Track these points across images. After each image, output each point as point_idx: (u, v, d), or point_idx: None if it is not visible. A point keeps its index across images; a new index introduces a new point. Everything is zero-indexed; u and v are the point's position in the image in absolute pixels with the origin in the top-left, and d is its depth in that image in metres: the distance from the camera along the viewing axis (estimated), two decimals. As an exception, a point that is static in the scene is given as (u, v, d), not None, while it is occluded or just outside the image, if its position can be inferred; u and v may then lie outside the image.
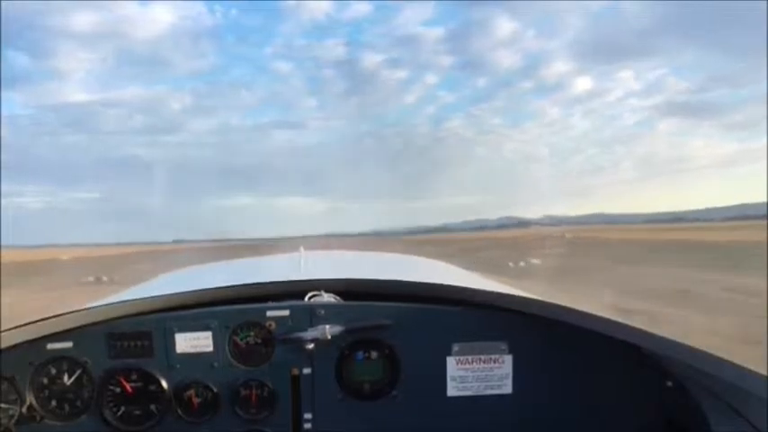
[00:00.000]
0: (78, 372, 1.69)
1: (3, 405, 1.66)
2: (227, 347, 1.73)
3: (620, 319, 1.60)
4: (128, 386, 1.70)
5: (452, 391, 1.76)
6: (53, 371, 1.69)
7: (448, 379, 1.76)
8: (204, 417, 1.72)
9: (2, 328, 1.59)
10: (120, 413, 1.70)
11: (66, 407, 1.69)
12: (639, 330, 1.54)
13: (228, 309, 1.76)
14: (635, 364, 1.72)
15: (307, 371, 1.74)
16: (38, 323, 1.64)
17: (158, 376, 1.71)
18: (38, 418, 1.68)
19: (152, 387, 1.71)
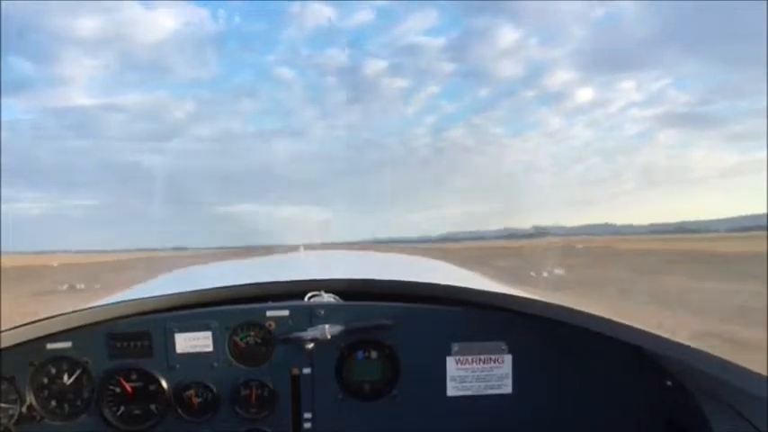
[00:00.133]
0: (78, 372, 1.69)
1: (3, 405, 1.66)
2: (226, 347, 1.73)
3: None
4: (128, 386, 1.70)
5: (452, 390, 1.76)
6: (53, 371, 1.69)
7: (448, 379, 1.76)
8: (204, 417, 1.72)
9: (2, 328, 1.60)
10: (119, 413, 1.70)
11: (66, 407, 1.69)
12: (639, 330, 1.54)
13: (228, 309, 1.76)
14: (635, 364, 1.72)
15: (307, 371, 1.74)
16: (38, 323, 1.64)
17: (158, 376, 1.71)
18: (38, 418, 1.68)
19: (152, 387, 1.71)
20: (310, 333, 1.70)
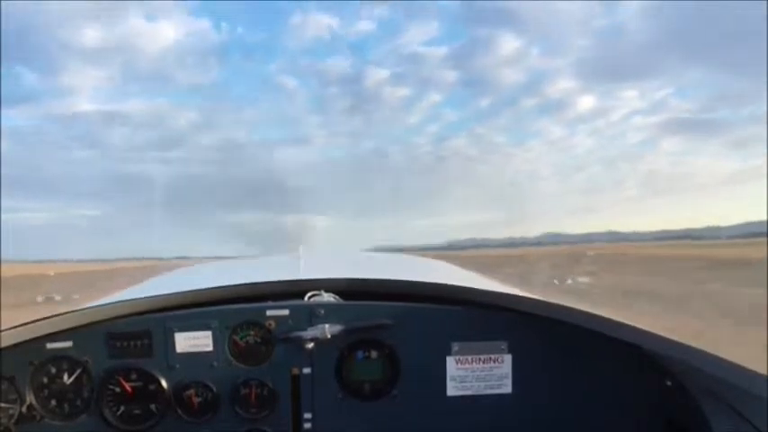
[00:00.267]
0: (78, 371, 1.69)
1: (3, 404, 1.66)
2: (226, 347, 1.73)
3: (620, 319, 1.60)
4: (127, 386, 1.70)
5: (452, 390, 1.76)
6: (53, 370, 1.69)
7: (448, 379, 1.76)
8: (204, 416, 1.72)
9: (2, 328, 1.60)
10: (119, 413, 1.70)
11: (66, 406, 1.69)
12: (640, 330, 1.54)
13: (228, 308, 1.76)
14: (635, 364, 1.72)
15: (306, 370, 1.74)
16: (38, 323, 1.64)
17: (158, 376, 1.70)
18: (38, 418, 1.68)
19: (152, 386, 1.71)
20: (310, 333, 1.70)
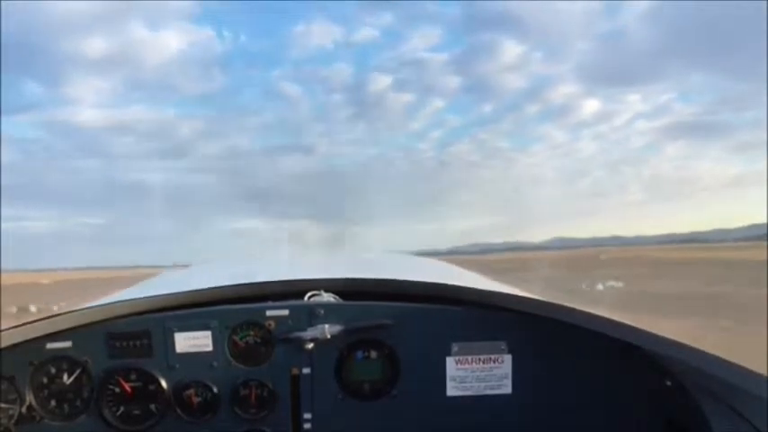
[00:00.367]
0: (78, 371, 1.69)
1: (2, 405, 1.66)
2: (226, 347, 1.73)
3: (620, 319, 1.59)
4: (127, 386, 1.70)
5: (452, 390, 1.76)
6: (53, 370, 1.69)
7: (447, 379, 1.76)
8: (204, 416, 1.72)
9: (1, 328, 1.59)
10: (119, 413, 1.70)
11: (66, 406, 1.69)
12: (639, 330, 1.54)
13: (228, 308, 1.76)
14: (635, 364, 1.72)
15: (306, 370, 1.74)
16: (37, 323, 1.64)
17: (158, 376, 1.70)
18: (37, 418, 1.68)
19: (151, 387, 1.71)
20: (310, 333, 1.70)
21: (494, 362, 1.76)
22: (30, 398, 1.68)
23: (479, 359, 1.75)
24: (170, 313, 1.73)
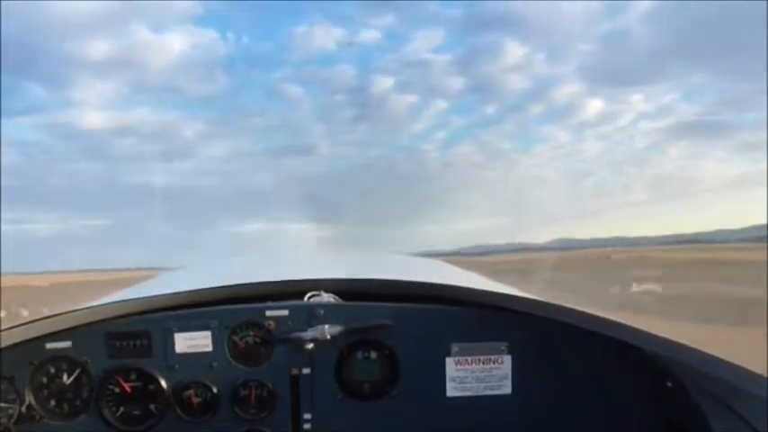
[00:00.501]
0: (77, 371, 1.69)
1: (2, 404, 1.66)
2: (226, 347, 1.72)
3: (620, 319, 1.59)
4: (127, 386, 1.70)
5: (452, 391, 1.76)
6: (52, 370, 1.69)
7: (447, 379, 1.75)
8: (203, 416, 1.72)
9: (1, 328, 1.59)
10: (119, 413, 1.70)
11: (66, 406, 1.69)
12: (639, 331, 1.54)
13: (228, 308, 1.76)
14: (635, 365, 1.72)
15: (306, 371, 1.73)
16: (37, 322, 1.64)
17: (157, 376, 1.70)
18: (37, 418, 1.68)
19: (151, 387, 1.71)
20: (310, 333, 1.70)
21: (493, 362, 1.76)
22: (29, 397, 1.67)
23: (479, 360, 1.75)
24: (170, 313, 1.73)
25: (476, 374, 1.76)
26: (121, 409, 1.70)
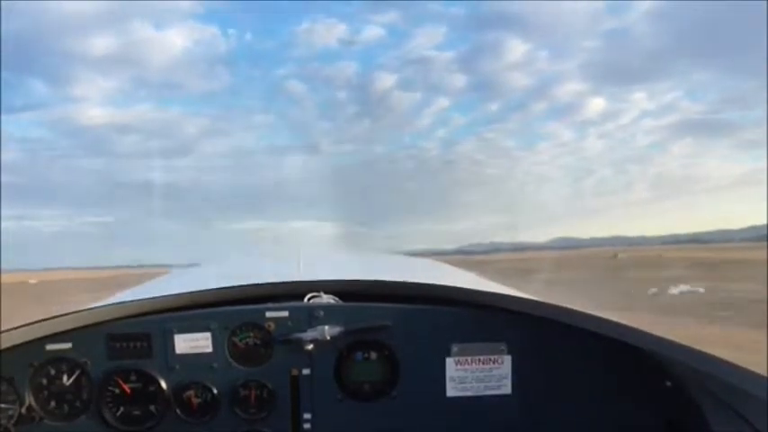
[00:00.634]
0: (77, 372, 1.69)
1: (2, 405, 1.66)
2: (226, 348, 1.72)
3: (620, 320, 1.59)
4: (127, 387, 1.70)
5: (452, 391, 1.76)
6: (52, 371, 1.69)
7: (447, 379, 1.75)
8: (203, 417, 1.72)
9: (1, 329, 1.59)
10: (119, 414, 1.70)
11: (66, 407, 1.69)
12: (639, 331, 1.54)
13: (228, 310, 1.76)
14: (635, 365, 1.72)
15: (306, 371, 1.74)
16: (37, 324, 1.64)
17: (158, 377, 1.70)
18: (37, 419, 1.68)
19: (151, 388, 1.71)
20: (310, 334, 1.70)
21: (493, 362, 1.76)
22: (29, 399, 1.67)
23: (479, 360, 1.75)
24: (170, 315, 1.73)
25: (476, 374, 1.76)
26: (121, 410, 1.70)
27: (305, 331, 1.71)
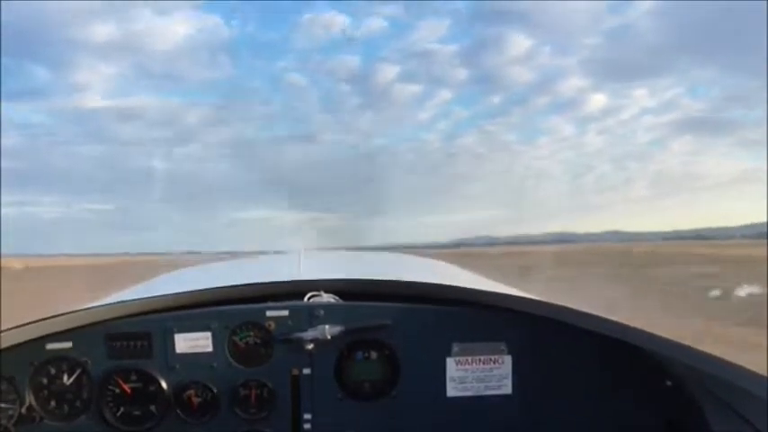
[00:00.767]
0: (78, 372, 1.69)
1: (2, 405, 1.66)
2: (226, 348, 1.72)
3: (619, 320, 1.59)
4: (127, 386, 1.70)
5: (452, 391, 1.76)
6: (52, 371, 1.69)
7: (447, 379, 1.75)
8: (204, 417, 1.72)
9: (1, 328, 1.59)
10: (119, 413, 1.70)
11: (66, 407, 1.69)
12: (639, 330, 1.54)
13: (228, 309, 1.76)
14: (635, 364, 1.72)
15: (306, 371, 1.73)
16: (37, 323, 1.64)
17: (158, 376, 1.70)
18: (37, 419, 1.68)
19: (151, 387, 1.71)
20: (310, 333, 1.70)
21: (494, 362, 1.76)
22: (30, 398, 1.67)
23: (479, 360, 1.75)
24: (170, 314, 1.73)
25: (476, 374, 1.76)
26: (122, 409, 1.70)
27: (305, 331, 1.71)
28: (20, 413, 1.67)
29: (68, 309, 1.72)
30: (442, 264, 3.63)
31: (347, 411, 1.74)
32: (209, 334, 1.72)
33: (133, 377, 1.70)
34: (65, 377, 1.69)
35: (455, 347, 1.75)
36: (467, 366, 1.75)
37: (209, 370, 1.72)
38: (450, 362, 1.75)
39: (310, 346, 1.71)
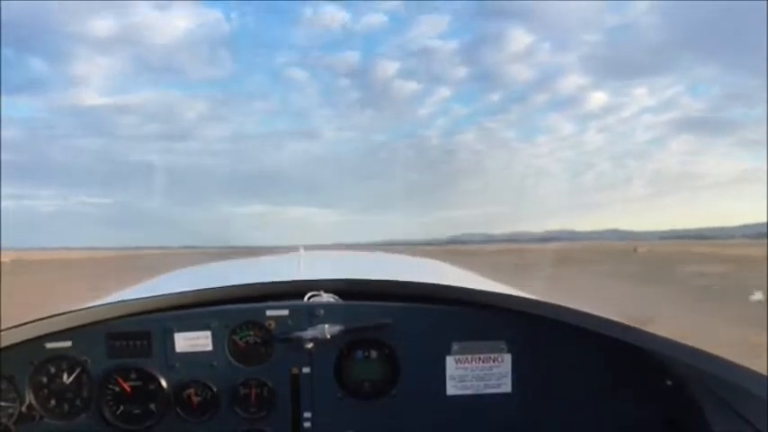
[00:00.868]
0: (77, 371, 1.69)
1: (2, 404, 1.66)
2: (226, 347, 1.73)
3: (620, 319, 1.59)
4: (127, 385, 1.70)
5: (452, 390, 1.76)
6: (52, 370, 1.69)
7: (447, 378, 1.76)
8: (204, 416, 1.72)
9: (1, 328, 1.60)
10: (119, 412, 1.70)
11: (66, 406, 1.69)
12: (639, 330, 1.54)
13: (228, 308, 1.76)
14: (635, 364, 1.72)
15: (306, 370, 1.74)
16: (37, 322, 1.64)
17: (158, 375, 1.70)
18: (37, 417, 1.68)
19: (151, 386, 1.71)
20: (310, 333, 1.70)
21: (493, 361, 1.76)
22: (29, 397, 1.68)
23: (479, 358, 1.76)
24: (170, 313, 1.73)
25: (476, 373, 1.76)
26: (122, 408, 1.71)
27: (305, 330, 1.71)
28: (20, 412, 1.67)
29: (68, 308, 1.72)
30: (441, 264, 3.64)
31: (347, 410, 1.75)
32: (208, 333, 1.72)
33: (133, 376, 1.70)
34: (65, 376, 1.69)
35: (455, 346, 1.75)
36: (466, 365, 1.76)
37: (208, 369, 1.72)
38: (449, 360, 1.75)
39: (310, 346, 1.71)
